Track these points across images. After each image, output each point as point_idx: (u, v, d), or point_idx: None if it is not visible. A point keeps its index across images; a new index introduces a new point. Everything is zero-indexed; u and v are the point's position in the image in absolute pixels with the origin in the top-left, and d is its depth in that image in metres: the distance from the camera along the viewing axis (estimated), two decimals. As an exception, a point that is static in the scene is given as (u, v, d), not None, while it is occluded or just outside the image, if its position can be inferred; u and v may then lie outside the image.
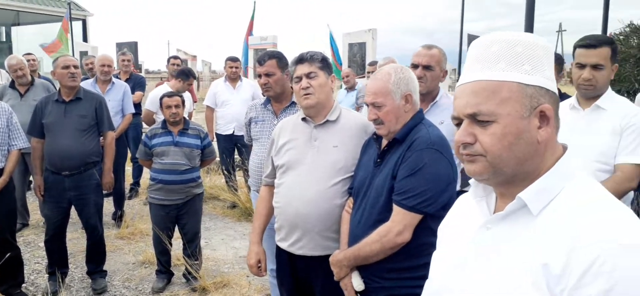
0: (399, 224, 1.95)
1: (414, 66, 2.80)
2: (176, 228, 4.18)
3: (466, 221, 1.21)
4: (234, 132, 6.34)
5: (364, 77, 9.25)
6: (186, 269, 4.15)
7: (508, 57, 1.04)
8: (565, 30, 25.71)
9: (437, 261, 1.30)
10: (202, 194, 4.25)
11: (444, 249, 1.29)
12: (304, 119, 2.45)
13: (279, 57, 3.15)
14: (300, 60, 2.41)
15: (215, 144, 5.31)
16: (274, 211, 2.51)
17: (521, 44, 1.05)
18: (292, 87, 3.15)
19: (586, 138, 2.39)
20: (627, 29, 9.85)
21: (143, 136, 4.35)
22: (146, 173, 6.88)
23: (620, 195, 2.29)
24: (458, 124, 1.10)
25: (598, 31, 7.13)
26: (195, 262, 4.09)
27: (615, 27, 8.24)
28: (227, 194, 6.46)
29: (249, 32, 13.60)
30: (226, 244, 5.18)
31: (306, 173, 2.35)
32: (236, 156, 6.74)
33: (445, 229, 1.32)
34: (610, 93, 2.50)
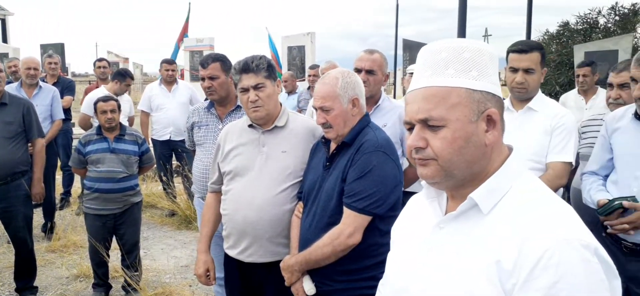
0: (350, 226, 1.97)
1: (357, 71, 2.85)
2: (113, 239, 4.00)
3: (419, 222, 1.24)
4: (170, 137, 6.18)
5: (304, 80, 9.29)
6: (125, 281, 3.98)
7: (456, 64, 1.08)
8: (490, 35, 27.00)
9: (392, 262, 1.32)
10: (141, 203, 4.09)
11: (398, 250, 1.31)
12: (250, 125, 2.42)
13: (223, 60, 3.10)
14: (245, 69, 2.32)
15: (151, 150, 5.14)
16: (222, 219, 2.47)
17: (468, 50, 1.09)
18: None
19: (520, 138, 2.52)
20: (546, 37, 10.54)
21: (76, 143, 4.14)
22: (77, 182, 6.56)
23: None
24: (410, 129, 1.13)
25: (521, 37, 7.57)
26: (135, 273, 3.93)
27: (533, 34, 8.78)
28: (166, 202, 6.27)
29: (183, 33, 13.30)
30: (166, 254, 5.02)
31: (254, 180, 2.32)
32: (174, 161, 6.55)
33: (399, 231, 1.35)
34: (540, 95, 2.66)
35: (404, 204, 1.41)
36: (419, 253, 1.18)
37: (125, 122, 4.34)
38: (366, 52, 2.95)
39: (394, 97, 14.03)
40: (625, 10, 9.65)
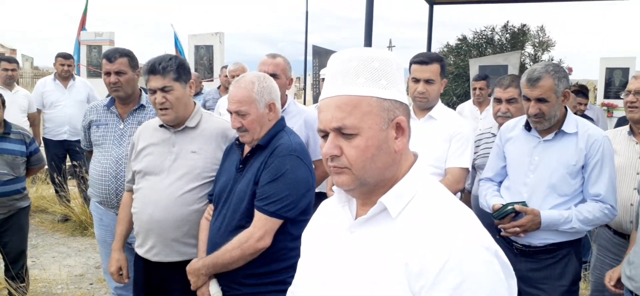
0: (260, 229, 1.96)
1: None
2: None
3: (331, 226, 1.25)
4: (67, 137, 5.78)
5: (211, 80, 9.09)
6: (9, 293, 3.62)
7: (367, 73, 1.10)
8: (394, 46, 28.32)
9: (303, 267, 1.32)
10: (29, 208, 3.75)
11: (308, 255, 1.31)
12: (162, 125, 2.39)
13: (131, 56, 2.94)
14: (152, 71, 2.28)
15: (43, 150, 4.75)
16: (133, 218, 2.43)
17: (377, 59, 1.12)
18: (141, 89, 2.98)
19: (422, 145, 2.63)
20: (445, 49, 11.24)
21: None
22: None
23: (450, 196, 2.59)
24: (324, 136, 1.14)
25: (422, 48, 7.98)
26: (21, 285, 3.60)
27: (434, 46, 9.31)
28: (58, 207, 5.84)
29: (82, 27, 12.45)
30: (59, 263, 4.66)
31: (162, 179, 2.30)
32: (68, 162, 6.11)
33: (310, 236, 1.35)
34: (440, 105, 2.81)
35: (316, 205, 1.41)
36: (329, 258, 1.19)
37: (23, 119, 3.94)
38: (269, 56, 2.97)
39: (304, 102, 14.16)
40: (516, 29, 10.58)
